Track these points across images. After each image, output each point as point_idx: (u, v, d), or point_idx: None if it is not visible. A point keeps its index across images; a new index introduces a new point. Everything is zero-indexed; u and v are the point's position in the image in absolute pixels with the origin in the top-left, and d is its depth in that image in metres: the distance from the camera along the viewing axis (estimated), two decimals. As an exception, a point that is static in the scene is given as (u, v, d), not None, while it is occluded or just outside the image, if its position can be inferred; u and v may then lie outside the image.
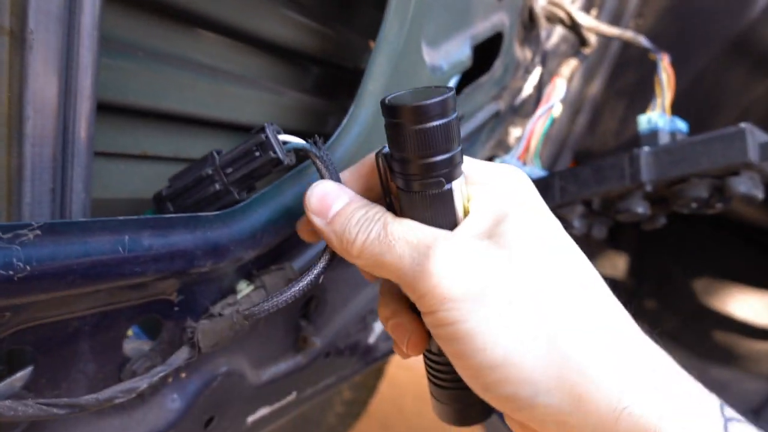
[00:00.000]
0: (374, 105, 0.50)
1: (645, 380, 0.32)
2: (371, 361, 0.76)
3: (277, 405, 0.60)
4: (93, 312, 0.37)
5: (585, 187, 0.66)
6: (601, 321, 0.34)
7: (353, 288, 0.65)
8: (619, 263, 1.65)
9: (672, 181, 0.60)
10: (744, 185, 0.56)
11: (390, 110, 0.35)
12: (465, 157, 0.38)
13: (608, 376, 0.32)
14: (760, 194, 0.57)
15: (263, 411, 0.58)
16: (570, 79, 0.95)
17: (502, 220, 0.36)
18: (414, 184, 0.36)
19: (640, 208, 0.62)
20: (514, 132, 0.88)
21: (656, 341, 0.36)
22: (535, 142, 0.78)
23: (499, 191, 0.37)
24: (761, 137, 0.56)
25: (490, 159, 0.80)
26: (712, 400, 0.34)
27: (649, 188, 0.61)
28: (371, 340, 0.73)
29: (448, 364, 0.38)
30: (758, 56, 1.00)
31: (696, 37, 1.02)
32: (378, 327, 0.72)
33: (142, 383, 0.39)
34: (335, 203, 0.39)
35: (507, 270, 0.34)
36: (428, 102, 0.34)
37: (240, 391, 0.53)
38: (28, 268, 0.30)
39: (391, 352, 0.78)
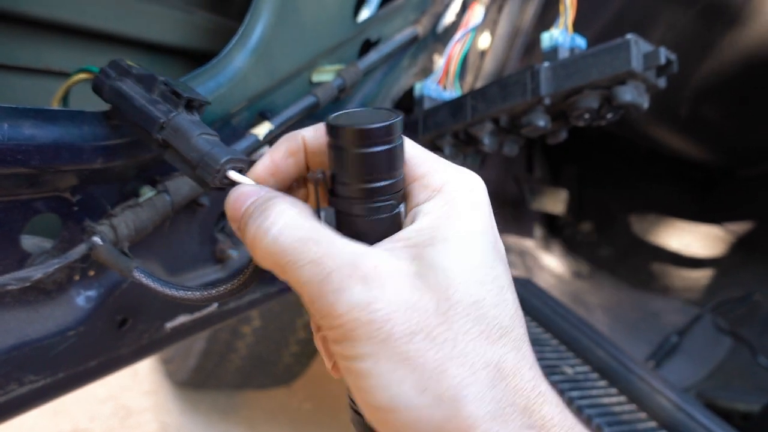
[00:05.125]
0: (269, 17, 0.52)
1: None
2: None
3: (197, 315, 0.63)
4: (-16, 203, 0.39)
5: (492, 104, 0.69)
6: (494, 375, 0.33)
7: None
8: (560, 200, 1.71)
9: (568, 94, 0.63)
10: (629, 94, 0.59)
11: (333, 130, 0.34)
12: (424, 154, 0.37)
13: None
14: (645, 103, 0.61)
15: (182, 319, 0.61)
16: (499, 11, 0.97)
17: (434, 242, 0.34)
18: (355, 208, 0.35)
19: (542, 122, 0.65)
20: (439, 61, 0.90)
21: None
22: (453, 66, 0.80)
23: (444, 208, 0.36)
24: (645, 47, 0.59)
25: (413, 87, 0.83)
26: None
27: (548, 101, 0.64)
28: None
29: None
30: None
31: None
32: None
33: (36, 273, 0.41)
34: (249, 198, 0.36)
35: (419, 311, 0.33)
36: (373, 126, 0.33)
37: (154, 295, 0.56)
38: None
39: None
